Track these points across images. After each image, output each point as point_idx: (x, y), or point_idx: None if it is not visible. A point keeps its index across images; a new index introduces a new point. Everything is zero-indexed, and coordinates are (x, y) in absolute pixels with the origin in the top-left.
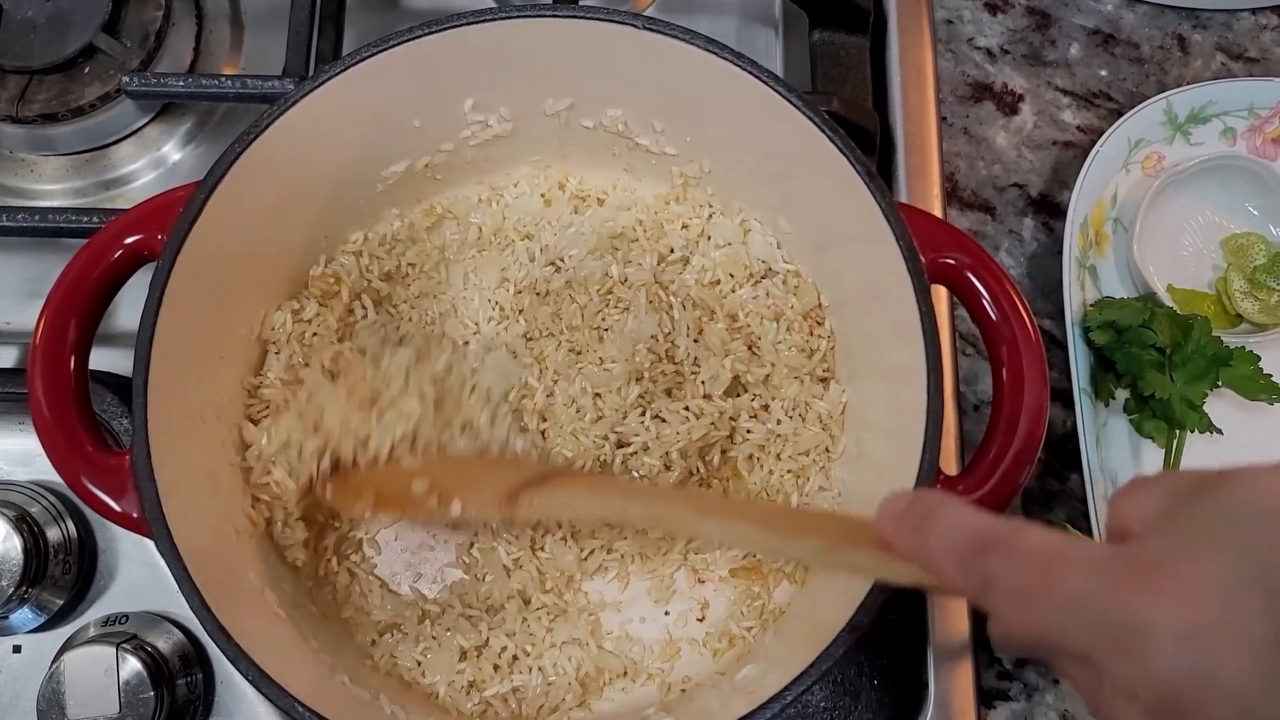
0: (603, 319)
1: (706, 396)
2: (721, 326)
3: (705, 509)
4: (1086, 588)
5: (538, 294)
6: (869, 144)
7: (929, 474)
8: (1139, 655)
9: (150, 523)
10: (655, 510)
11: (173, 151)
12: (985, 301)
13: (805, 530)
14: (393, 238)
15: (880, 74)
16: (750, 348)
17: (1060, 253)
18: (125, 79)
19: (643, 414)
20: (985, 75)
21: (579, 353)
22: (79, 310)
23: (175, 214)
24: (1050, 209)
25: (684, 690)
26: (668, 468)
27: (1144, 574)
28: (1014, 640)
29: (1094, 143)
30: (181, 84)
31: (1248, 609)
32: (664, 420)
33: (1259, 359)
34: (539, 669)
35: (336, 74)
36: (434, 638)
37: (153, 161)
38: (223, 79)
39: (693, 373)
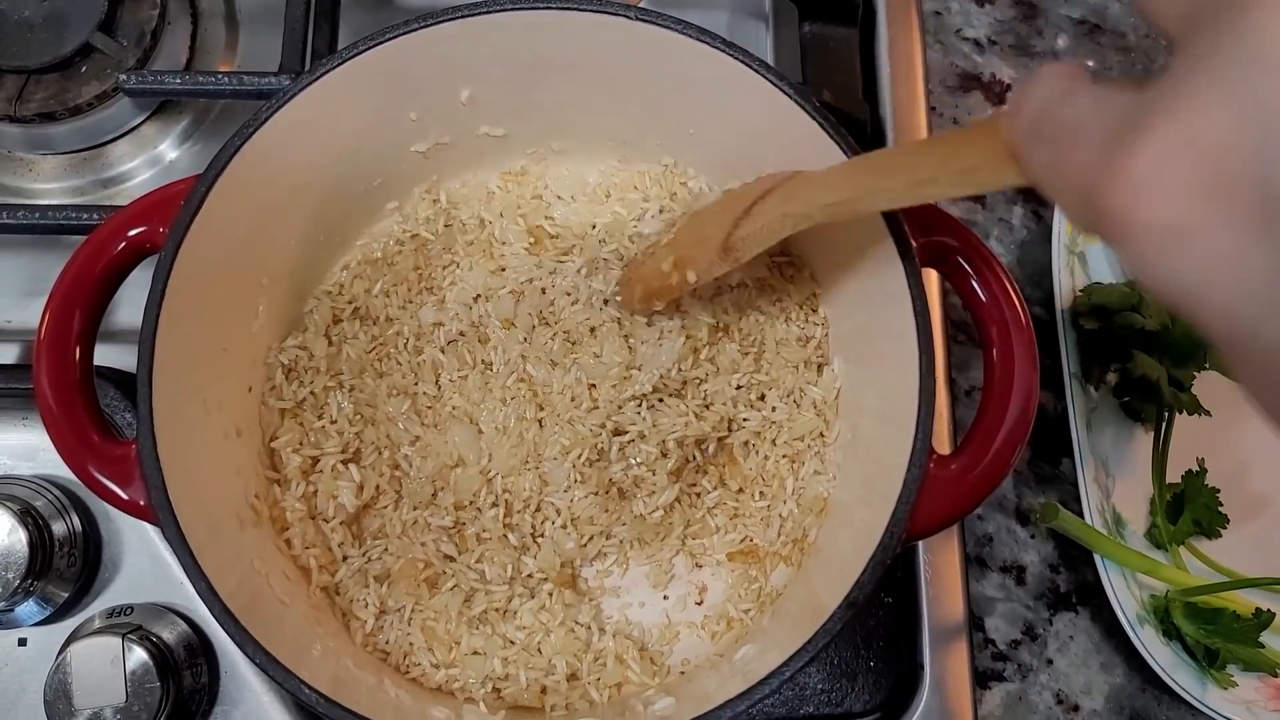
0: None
1: (707, 405)
2: (735, 346)
3: (883, 172)
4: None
5: (538, 288)
6: (859, 135)
7: (922, 454)
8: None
9: (157, 510)
10: (829, 202)
11: (169, 149)
12: (975, 283)
13: (928, 169)
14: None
15: (870, 66)
16: (757, 359)
17: (1050, 240)
18: (123, 77)
19: (639, 405)
20: (974, 66)
21: (574, 344)
22: (83, 302)
23: (177, 207)
24: (1039, 197)
25: (683, 672)
26: (664, 455)
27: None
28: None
29: None
30: (179, 81)
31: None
32: (661, 413)
33: None
34: (540, 651)
35: (333, 68)
36: (434, 622)
37: (150, 159)
38: (219, 76)
39: (698, 382)
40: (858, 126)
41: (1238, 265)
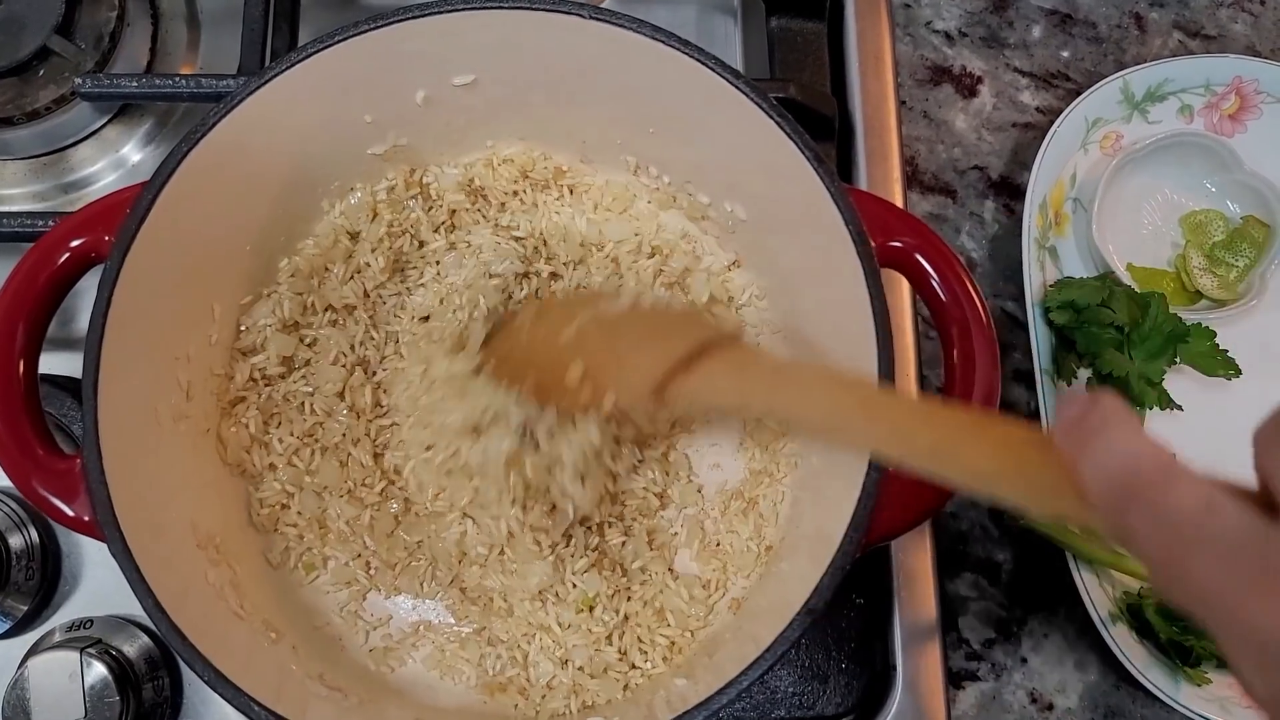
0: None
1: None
2: None
3: (863, 424)
4: (1216, 582)
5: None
6: (828, 129)
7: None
8: (1271, 673)
9: (102, 526)
10: (801, 416)
11: (133, 152)
12: (935, 283)
13: (989, 460)
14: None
15: (838, 59)
16: None
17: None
18: (79, 80)
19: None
20: (944, 58)
21: None
22: (26, 315)
23: (122, 215)
24: (1011, 191)
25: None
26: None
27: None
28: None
29: (1053, 123)
30: (135, 85)
31: None
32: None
33: (1215, 335)
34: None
35: (283, 71)
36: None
37: (113, 163)
38: (177, 79)
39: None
40: (826, 122)
41: None
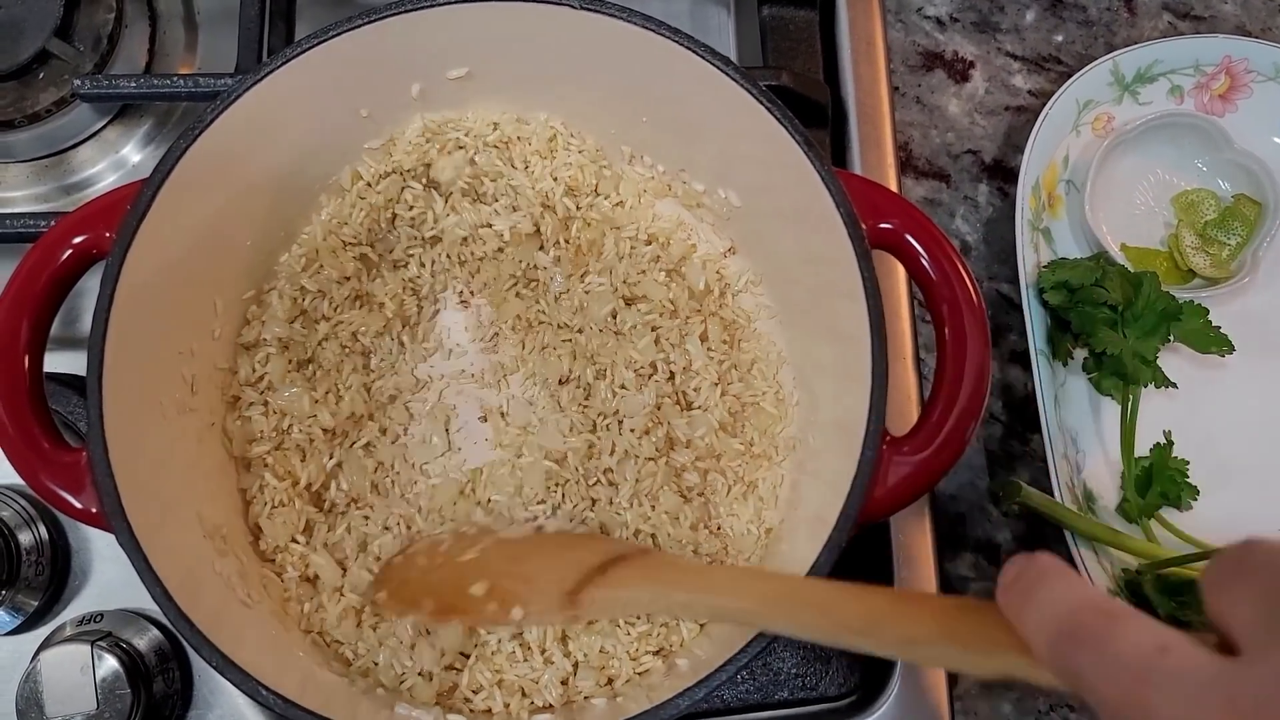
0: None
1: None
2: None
3: (790, 607)
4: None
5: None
6: (821, 117)
7: (875, 438)
8: None
9: (109, 517)
10: (725, 606)
11: (133, 153)
12: (925, 262)
13: (920, 626)
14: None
15: (831, 47)
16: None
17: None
18: (77, 82)
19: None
20: (936, 44)
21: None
22: (30, 311)
23: (123, 211)
24: (1004, 174)
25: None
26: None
27: (1249, 716)
28: None
29: (1045, 106)
30: (134, 85)
31: None
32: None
33: (1208, 312)
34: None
35: (278, 66)
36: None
37: (114, 164)
38: (175, 79)
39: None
40: (819, 109)
41: None
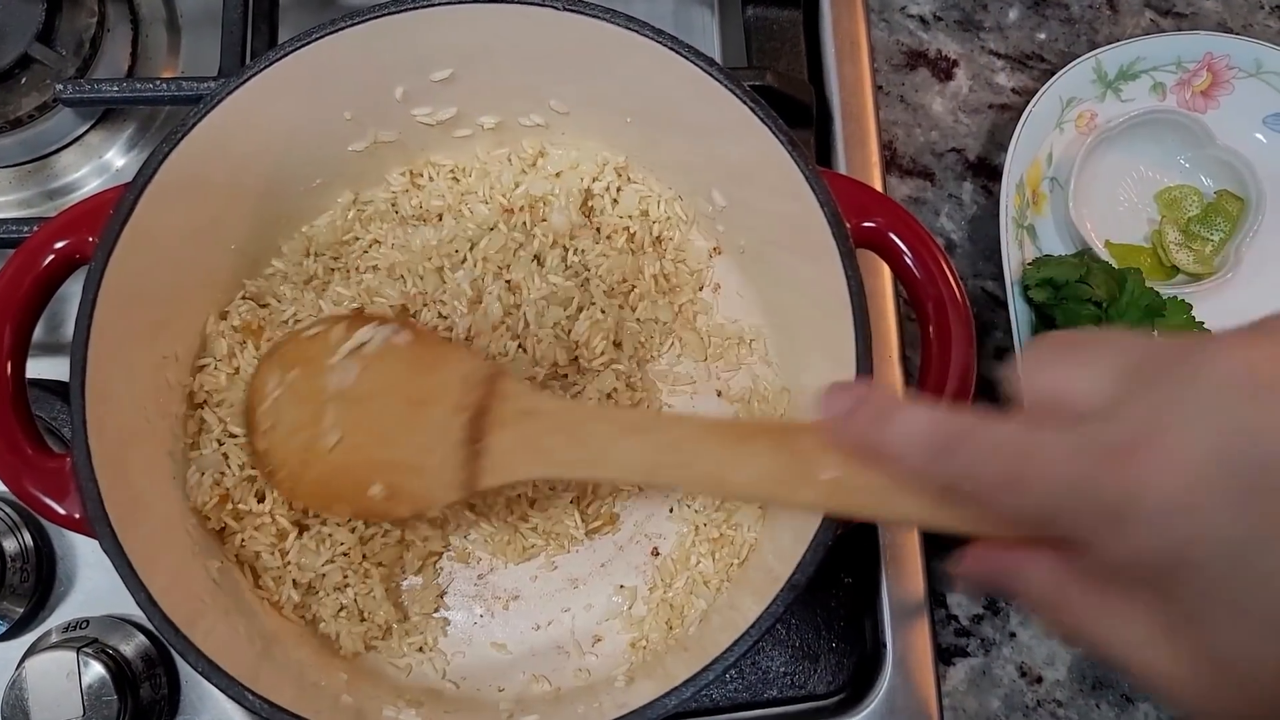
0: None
1: None
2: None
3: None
4: (1074, 471)
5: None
6: (806, 116)
7: None
8: (1132, 529)
9: (93, 522)
10: (647, 459)
11: (116, 157)
12: (909, 260)
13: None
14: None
15: (815, 47)
16: None
17: None
18: (60, 87)
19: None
20: (919, 42)
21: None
22: (12, 317)
23: (106, 216)
24: (989, 172)
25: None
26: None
27: (1128, 453)
28: (998, 529)
29: (1028, 104)
30: (116, 89)
31: (1231, 475)
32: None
33: (1191, 308)
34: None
35: (261, 69)
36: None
37: (97, 168)
38: (158, 82)
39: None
40: (804, 109)
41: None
